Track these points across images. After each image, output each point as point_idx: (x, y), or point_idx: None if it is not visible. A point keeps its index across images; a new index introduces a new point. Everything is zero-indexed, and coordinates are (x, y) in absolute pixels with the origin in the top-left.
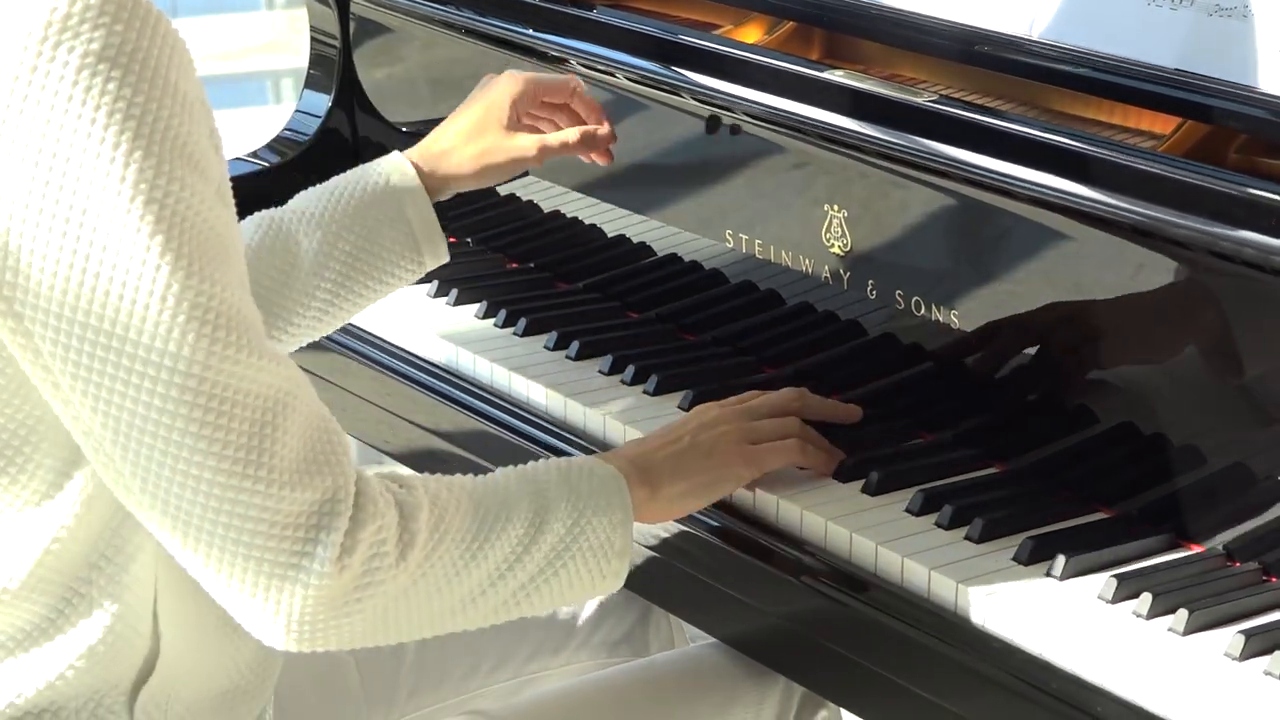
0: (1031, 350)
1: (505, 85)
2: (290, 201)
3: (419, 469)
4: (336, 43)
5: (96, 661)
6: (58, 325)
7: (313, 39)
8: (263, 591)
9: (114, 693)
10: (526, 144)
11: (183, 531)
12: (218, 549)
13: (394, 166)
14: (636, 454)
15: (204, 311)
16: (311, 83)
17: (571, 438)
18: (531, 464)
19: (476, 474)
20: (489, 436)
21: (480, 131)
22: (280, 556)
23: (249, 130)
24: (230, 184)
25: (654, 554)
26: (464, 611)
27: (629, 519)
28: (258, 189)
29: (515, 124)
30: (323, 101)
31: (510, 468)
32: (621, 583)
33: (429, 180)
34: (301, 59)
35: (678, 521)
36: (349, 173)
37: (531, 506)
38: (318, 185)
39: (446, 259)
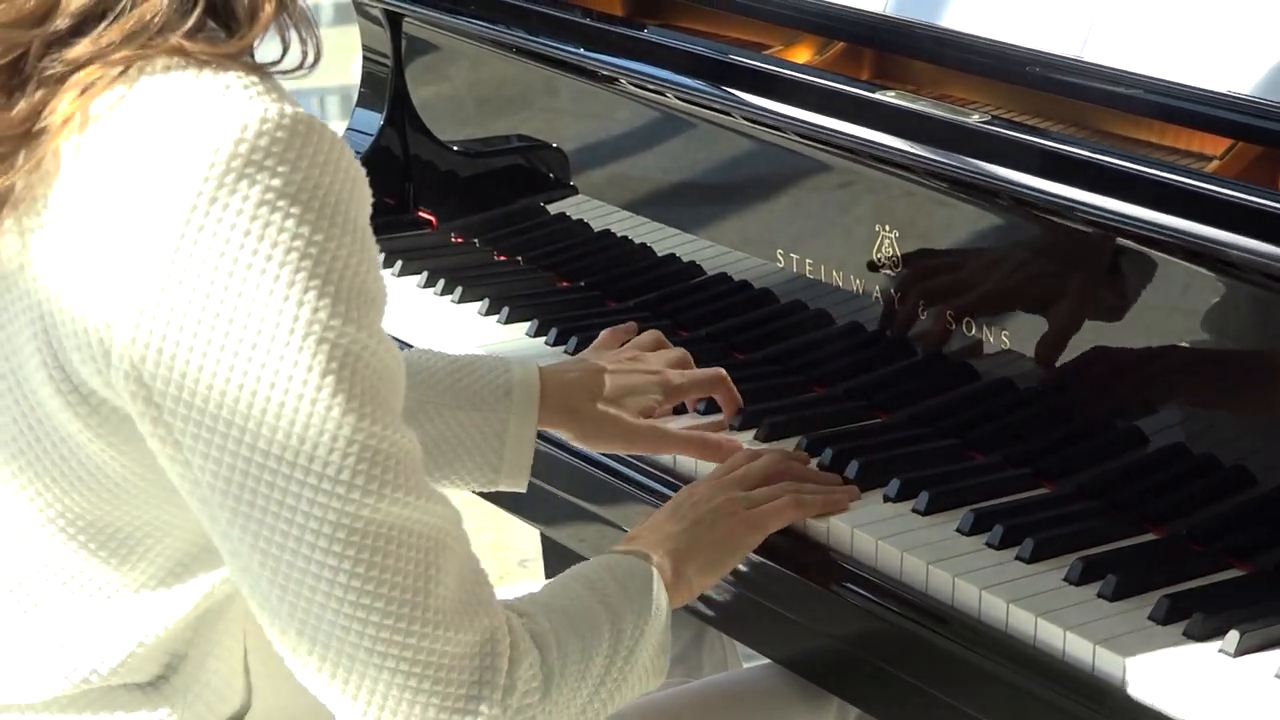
0: (1082, 370)
1: (651, 388)
2: (417, 349)
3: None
4: (388, 61)
5: (189, 712)
6: (219, 457)
7: (365, 58)
8: None
9: None
10: (644, 439)
11: (344, 673)
12: (382, 691)
13: (524, 379)
14: (659, 543)
15: (373, 454)
16: (363, 101)
17: (629, 459)
18: (582, 569)
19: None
20: (539, 456)
21: (616, 402)
22: (449, 701)
23: None
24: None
25: None
26: None
27: (668, 615)
28: None
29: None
30: (374, 120)
31: (568, 577)
32: (664, 678)
33: (545, 409)
34: (346, 76)
35: None
36: (484, 356)
37: (606, 617)
38: (448, 354)
39: (523, 489)
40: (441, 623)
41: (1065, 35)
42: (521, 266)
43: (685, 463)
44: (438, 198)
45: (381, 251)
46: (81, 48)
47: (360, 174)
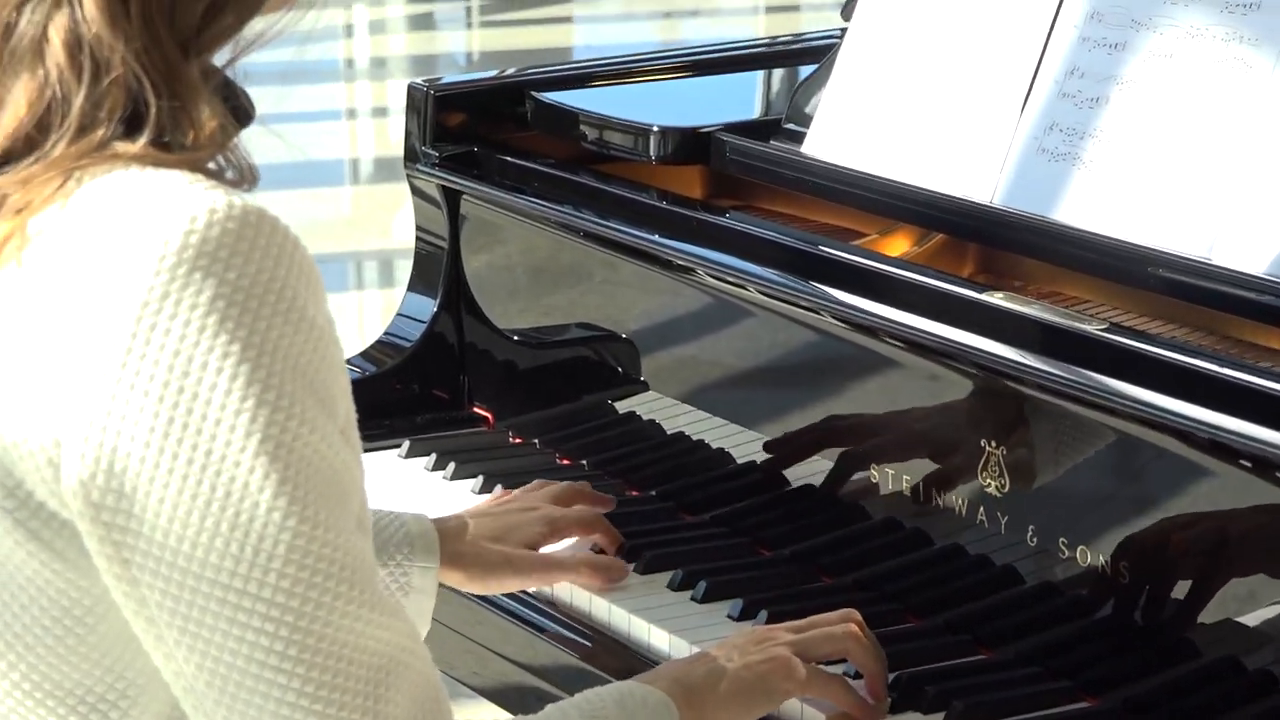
0: (1203, 599)
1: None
2: None
3: (509, 708)
4: (444, 243)
5: None
6: (168, 574)
7: (418, 238)
8: None
9: None
10: (532, 568)
11: None
12: None
13: (423, 532)
14: (681, 673)
15: (327, 564)
16: (415, 285)
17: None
18: (588, 695)
19: None
20: (593, 679)
21: (500, 539)
22: None
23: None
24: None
25: None
26: None
27: None
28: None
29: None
30: (427, 305)
31: (568, 702)
32: None
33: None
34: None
35: None
36: (380, 510)
37: None
38: None
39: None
40: None
41: (1192, 235)
42: (587, 472)
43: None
44: (495, 392)
45: (432, 452)
46: (16, 175)
47: (315, 268)
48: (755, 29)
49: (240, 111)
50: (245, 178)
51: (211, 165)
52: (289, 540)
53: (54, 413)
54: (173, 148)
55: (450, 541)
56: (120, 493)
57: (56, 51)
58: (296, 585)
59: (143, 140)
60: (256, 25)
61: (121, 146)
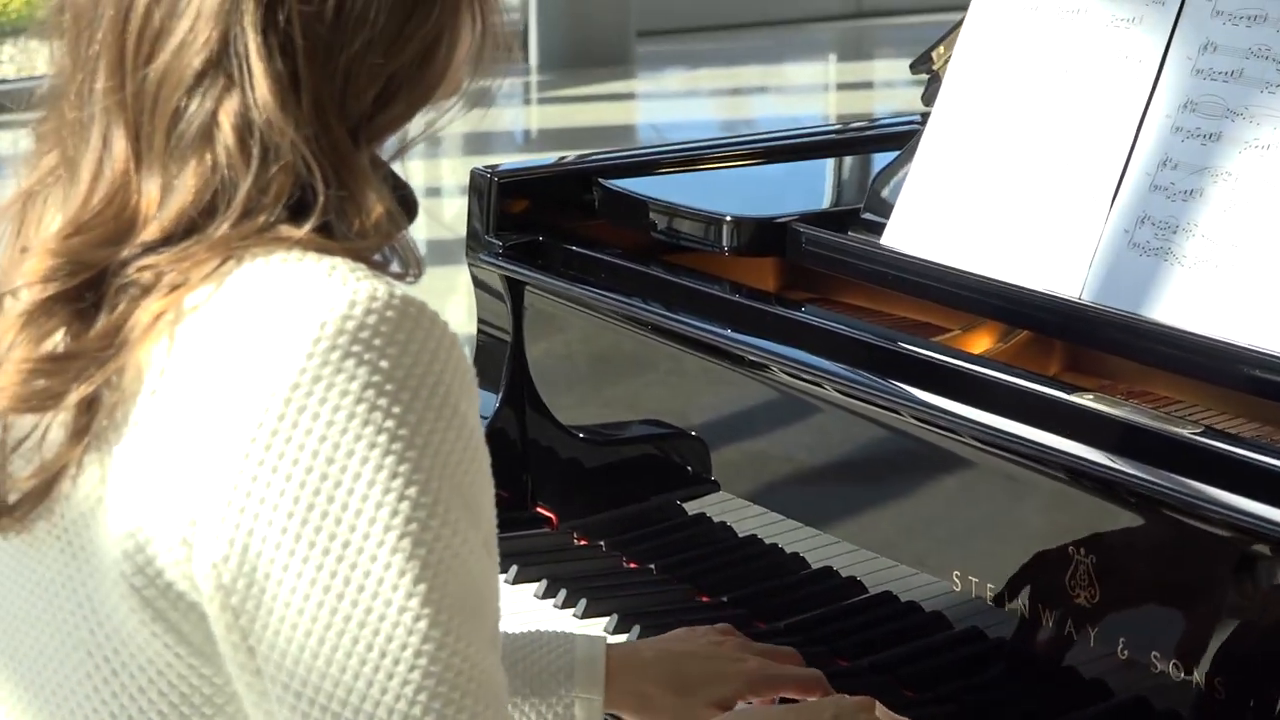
0: None
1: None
2: None
3: None
4: (506, 335)
5: None
6: (292, 668)
7: (480, 330)
8: None
9: None
10: None
11: None
12: None
13: (588, 657)
14: None
15: (454, 674)
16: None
17: None
18: None
19: None
20: None
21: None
22: None
23: None
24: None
25: None
26: None
27: None
28: None
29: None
30: (489, 400)
31: None
32: None
33: (613, 691)
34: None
35: None
36: (547, 632)
37: None
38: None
39: None
40: None
41: None
42: (655, 576)
43: None
44: (559, 492)
45: None
46: (174, 254)
47: (471, 369)
48: (826, 106)
49: (408, 202)
50: (410, 270)
51: (376, 256)
52: (417, 644)
53: (192, 491)
54: (337, 235)
55: (629, 678)
56: (252, 577)
57: (226, 135)
58: (419, 693)
59: (307, 226)
60: (424, 114)
61: (285, 230)
